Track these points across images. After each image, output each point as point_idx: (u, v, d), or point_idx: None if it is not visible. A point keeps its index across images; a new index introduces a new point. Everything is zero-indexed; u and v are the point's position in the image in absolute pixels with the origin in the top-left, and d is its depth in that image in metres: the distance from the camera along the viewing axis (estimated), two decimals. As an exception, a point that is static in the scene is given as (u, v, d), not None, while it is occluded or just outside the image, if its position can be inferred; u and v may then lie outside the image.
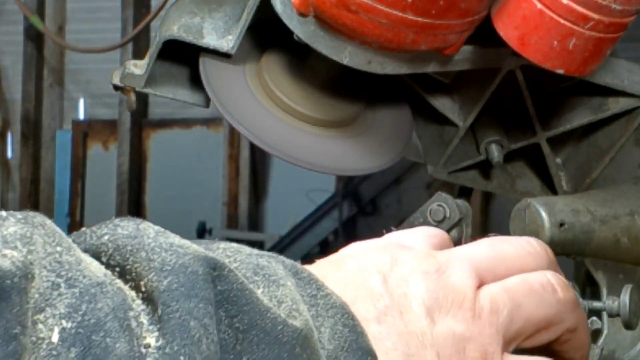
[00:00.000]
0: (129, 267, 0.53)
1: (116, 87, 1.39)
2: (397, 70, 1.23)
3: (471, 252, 0.67)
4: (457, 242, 1.14)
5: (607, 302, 1.08)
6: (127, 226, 0.55)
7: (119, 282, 0.52)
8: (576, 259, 1.28)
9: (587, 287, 1.38)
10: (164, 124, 5.75)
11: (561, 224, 1.17)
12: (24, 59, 5.78)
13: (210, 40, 1.30)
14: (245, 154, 5.57)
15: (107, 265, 0.53)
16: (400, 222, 1.16)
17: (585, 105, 1.38)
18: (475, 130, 1.41)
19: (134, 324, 0.50)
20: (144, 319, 0.51)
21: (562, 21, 1.10)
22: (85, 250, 0.54)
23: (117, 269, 0.53)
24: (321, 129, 1.34)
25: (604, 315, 1.11)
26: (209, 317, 0.51)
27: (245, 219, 5.61)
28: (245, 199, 5.61)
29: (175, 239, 0.55)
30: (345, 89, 1.36)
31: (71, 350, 0.48)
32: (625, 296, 1.07)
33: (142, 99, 5.43)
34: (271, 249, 4.66)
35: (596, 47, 1.13)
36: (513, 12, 1.13)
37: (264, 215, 5.82)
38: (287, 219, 5.66)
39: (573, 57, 1.13)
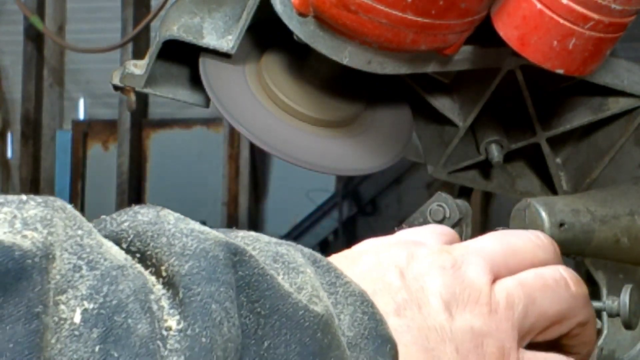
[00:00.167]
0: (149, 252, 0.53)
1: (116, 87, 1.39)
2: (397, 70, 1.23)
3: (483, 247, 0.67)
4: (457, 242, 1.14)
5: (607, 302, 1.08)
6: (147, 213, 0.55)
7: (140, 267, 0.52)
8: (576, 259, 1.28)
9: (587, 287, 1.38)
10: (164, 124, 5.75)
11: (561, 224, 1.17)
12: (24, 59, 5.78)
13: (210, 40, 1.30)
14: (245, 154, 5.57)
15: (128, 251, 0.53)
16: (400, 222, 1.16)
17: (585, 105, 1.38)
18: (475, 130, 1.41)
19: (155, 307, 0.50)
20: (164, 302, 0.51)
21: (562, 21, 1.10)
22: (106, 237, 0.54)
23: (138, 254, 0.53)
24: (321, 129, 1.34)
25: (604, 315, 1.11)
26: (230, 301, 0.51)
27: (245, 219, 5.61)
28: (245, 199, 5.61)
29: (196, 225, 0.55)
30: (345, 89, 1.36)
31: (93, 330, 0.48)
32: (625, 296, 1.07)
33: (142, 99, 5.43)
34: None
35: (596, 47, 1.13)
36: (513, 12, 1.13)
37: (264, 215, 5.82)
38: (287, 219, 5.66)
39: (573, 57, 1.13)
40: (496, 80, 1.32)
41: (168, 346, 0.49)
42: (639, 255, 1.25)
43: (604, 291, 1.21)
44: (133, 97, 1.40)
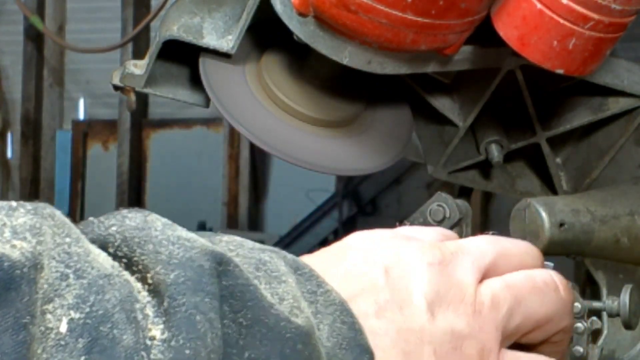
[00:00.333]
0: (135, 258, 0.53)
1: (116, 87, 1.39)
2: (397, 70, 1.23)
3: (475, 247, 0.66)
4: (457, 242, 1.14)
5: (607, 302, 1.08)
6: (134, 217, 0.55)
7: (126, 274, 0.52)
8: (576, 259, 1.28)
9: (587, 287, 1.38)
10: (164, 124, 5.75)
11: (561, 224, 1.17)
12: (24, 59, 5.78)
13: (210, 40, 1.30)
14: (245, 154, 5.57)
15: (115, 256, 0.54)
16: (400, 222, 1.16)
17: (585, 105, 1.38)
18: (475, 130, 1.41)
19: (140, 316, 0.50)
20: (149, 311, 0.51)
21: (562, 21, 1.10)
22: (93, 241, 0.54)
23: (124, 260, 0.54)
24: (321, 129, 1.34)
25: (604, 315, 1.11)
26: (214, 312, 0.52)
27: (245, 218, 5.61)
28: (245, 199, 5.61)
29: (182, 232, 0.55)
30: (345, 89, 1.36)
31: (79, 340, 0.48)
32: (625, 296, 1.07)
33: (142, 99, 5.43)
34: (271, 249, 4.62)
35: (596, 47, 1.13)
36: (513, 12, 1.13)
37: (264, 215, 5.82)
38: (287, 218, 5.66)
39: (573, 57, 1.13)
40: (496, 80, 1.32)
41: (152, 356, 0.49)
42: (639, 255, 1.25)
43: (604, 291, 1.21)
44: (133, 97, 1.40)
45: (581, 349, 1.02)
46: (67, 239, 0.51)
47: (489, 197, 4.87)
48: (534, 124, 1.38)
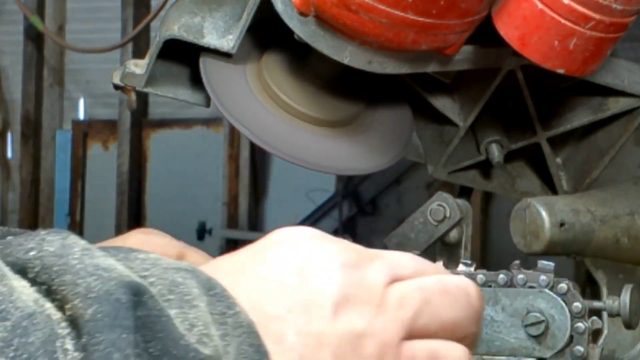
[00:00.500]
0: (54, 287, 0.55)
1: (116, 87, 1.39)
2: (397, 70, 1.23)
3: (395, 256, 0.68)
4: (457, 242, 1.14)
5: (607, 301, 1.08)
6: (53, 241, 0.57)
7: (48, 306, 0.54)
8: (576, 259, 1.28)
9: (587, 287, 1.38)
10: (164, 124, 5.75)
11: (561, 224, 1.17)
12: (24, 59, 5.78)
13: (210, 39, 1.30)
14: (245, 154, 5.57)
15: (34, 282, 0.55)
16: (400, 222, 1.16)
17: (586, 105, 1.38)
18: (476, 130, 1.41)
19: (60, 356, 0.52)
20: (69, 344, 0.53)
21: (562, 21, 1.11)
22: (13, 264, 0.56)
23: (44, 286, 0.55)
24: (322, 129, 1.34)
25: (604, 315, 1.11)
26: (130, 347, 0.54)
27: (245, 218, 5.61)
28: (245, 199, 5.61)
29: (100, 259, 0.57)
30: (346, 89, 1.36)
31: None
32: (625, 296, 1.07)
33: (143, 98, 5.43)
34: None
35: (597, 47, 1.13)
36: (513, 12, 1.13)
37: (264, 215, 5.82)
38: (287, 219, 5.65)
39: (573, 57, 1.13)
40: (497, 80, 1.32)
41: None
42: (639, 255, 1.25)
43: (604, 291, 1.21)
44: (133, 96, 1.40)
45: (582, 349, 1.02)
46: None
47: (489, 197, 4.87)
48: (534, 124, 1.38)
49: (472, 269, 1.09)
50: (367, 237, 5.38)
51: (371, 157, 1.36)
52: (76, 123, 5.95)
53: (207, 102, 1.40)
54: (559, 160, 1.44)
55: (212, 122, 5.63)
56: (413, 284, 0.66)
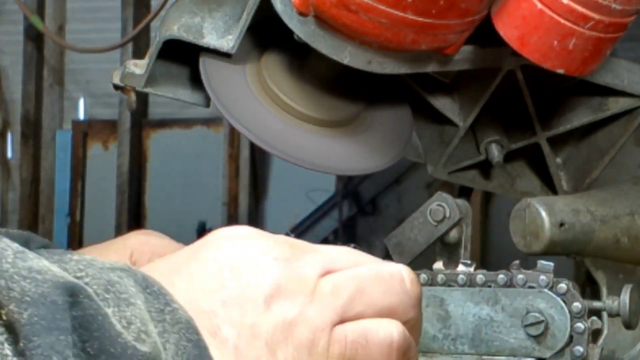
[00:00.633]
0: None
1: (116, 87, 1.39)
2: (397, 70, 1.23)
3: (331, 250, 0.69)
4: (456, 242, 1.14)
5: (607, 301, 1.08)
6: None
7: None
8: (576, 259, 1.28)
9: (587, 287, 1.38)
10: (164, 124, 5.75)
11: (561, 224, 1.17)
12: (24, 59, 5.78)
13: (210, 40, 1.30)
14: (245, 153, 5.57)
15: None
16: (400, 222, 1.16)
17: (585, 105, 1.38)
18: (476, 130, 1.41)
19: None
20: (7, 349, 0.53)
21: (562, 21, 1.11)
22: None
23: None
24: (321, 129, 1.34)
25: (604, 315, 1.11)
26: (68, 348, 0.54)
27: (245, 218, 5.61)
28: (245, 199, 5.61)
29: (33, 262, 0.56)
30: (346, 89, 1.36)
31: None
32: (625, 296, 1.07)
33: (142, 98, 5.43)
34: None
35: (596, 47, 1.13)
36: (513, 12, 1.13)
37: (264, 215, 5.82)
38: (287, 218, 5.65)
39: (573, 57, 1.13)
40: (496, 80, 1.32)
41: None
42: (639, 255, 1.25)
43: (604, 291, 1.21)
44: (133, 96, 1.40)
45: (581, 349, 1.02)
46: None
47: (489, 197, 4.87)
48: (534, 124, 1.38)
49: (471, 269, 1.09)
50: (367, 237, 5.38)
51: (371, 157, 1.36)
52: (76, 123, 5.95)
53: (207, 102, 1.40)
54: (559, 160, 1.44)
55: (212, 122, 5.63)
56: (346, 273, 0.67)
